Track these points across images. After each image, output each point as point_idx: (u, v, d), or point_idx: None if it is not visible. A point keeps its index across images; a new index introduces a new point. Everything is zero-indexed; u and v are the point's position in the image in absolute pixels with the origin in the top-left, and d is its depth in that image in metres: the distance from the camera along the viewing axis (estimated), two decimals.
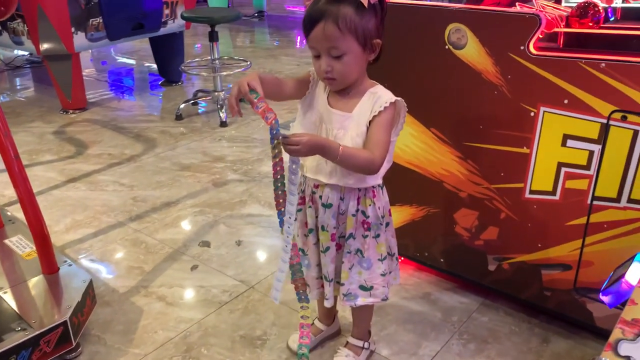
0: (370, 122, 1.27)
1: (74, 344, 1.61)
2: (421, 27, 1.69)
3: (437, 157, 1.77)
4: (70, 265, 1.82)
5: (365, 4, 1.19)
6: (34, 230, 1.72)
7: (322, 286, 1.50)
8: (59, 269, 1.79)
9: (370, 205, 1.38)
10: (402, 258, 2.07)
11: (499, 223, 1.72)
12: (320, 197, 1.38)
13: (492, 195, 1.70)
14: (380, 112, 1.26)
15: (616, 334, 0.85)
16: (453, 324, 1.79)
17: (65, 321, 1.58)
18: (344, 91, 1.31)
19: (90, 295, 1.76)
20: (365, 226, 1.40)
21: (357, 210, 1.38)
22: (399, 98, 1.29)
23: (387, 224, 1.46)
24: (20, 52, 5.38)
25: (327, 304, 1.51)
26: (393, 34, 1.72)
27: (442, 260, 1.91)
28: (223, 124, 3.65)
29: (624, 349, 0.82)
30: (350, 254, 1.41)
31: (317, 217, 1.41)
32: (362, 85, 1.32)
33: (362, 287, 1.45)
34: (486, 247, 1.78)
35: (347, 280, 1.44)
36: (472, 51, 1.59)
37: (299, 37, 6.36)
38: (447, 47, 1.63)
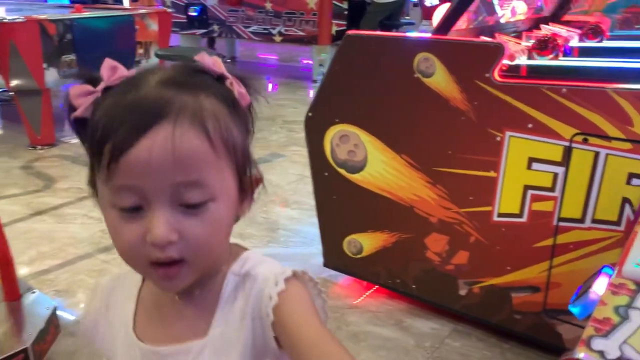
0: (273, 324, 0.60)
1: None
2: (390, 56, 1.76)
3: (408, 182, 1.81)
4: (33, 292, 1.77)
5: (245, 102, 0.63)
6: None
7: None
8: (21, 295, 1.73)
9: None
10: (375, 286, 2.08)
11: (469, 247, 1.75)
12: None
13: (462, 219, 1.74)
14: (279, 297, 0.60)
15: (589, 331, 0.87)
16: (426, 349, 1.78)
17: (26, 348, 1.52)
18: (185, 290, 0.63)
19: (54, 324, 1.70)
20: None
21: None
22: (296, 269, 0.64)
23: None
24: None
25: None
26: (363, 64, 1.79)
27: (413, 286, 1.92)
28: None
29: (597, 344, 0.84)
30: None
31: None
32: (220, 265, 0.66)
33: None
34: (457, 272, 1.80)
35: None
36: (440, 79, 1.66)
37: (270, 84, 6.48)
38: (416, 75, 1.69)
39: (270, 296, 0.60)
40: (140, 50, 4.13)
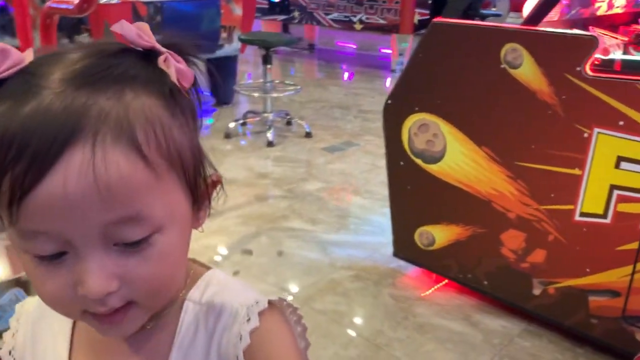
0: None
1: None
2: (477, 46, 1.72)
3: (487, 176, 1.78)
4: None
5: (187, 81, 0.47)
6: None
7: None
8: None
9: None
10: (445, 280, 2.06)
11: (547, 245, 1.69)
12: None
13: (541, 216, 1.69)
14: (252, 336, 0.50)
15: None
16: (494, 346, 1.75)
17: None
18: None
19: None
20: None
21: None
22: (273, 298, 0.54)
23: None
24: None
25: None
26: (448, 53, 1.77)
27: (485, 282, 1.89)
28: (270, 144, 3.73)
29: None
30: None
31: None
32: (176, 293, 0.53)
33: None
34: (532, 270, 1.75)
35: None
36: (527, 71, 1.61)
37: (346, 73, 6.48)
38: (502, 66, 1.65)
39: (240, 335, 0.49)
40: (224, 34, 4.26)
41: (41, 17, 1.75)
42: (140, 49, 0.45)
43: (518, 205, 1.73)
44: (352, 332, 1.81)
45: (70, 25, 3.73)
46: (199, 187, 0.50)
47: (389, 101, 1.94)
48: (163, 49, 0.46)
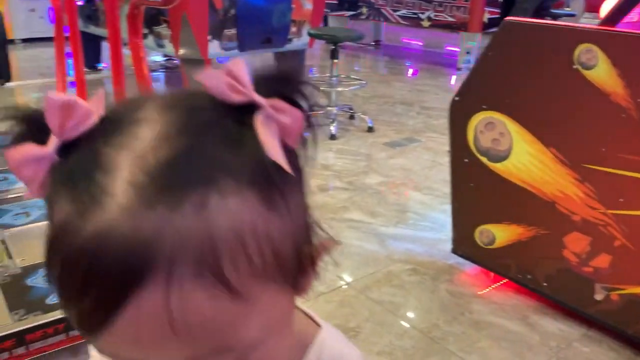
0: None
1: None
2: (549, 45, 1.71)
3: (553, 177, 1.76)
4: None
5: (294, 137, 0.37)
6: None
7: None
8: None
9: None
10: (503, 279, 2.05)
11: (613, 250, 1.67)
12: None
13: (609, 220, 1.66)
14: None
15: None
16: (551, 348, 1.74)
17: None
18: None
19: None
20: None
21: None
22: None
23: None
24: (156, 58, 5.91)
25: None
26: (519, 51, 1.76)
27: (545, 284, 1.87)
28: (332, 137, 3.79)
29: None
30: None
31: None
32: None
33: None
34: (595, 275, 1.73)
35: None
36: (601, 72, 1.59)
37: (410, 70, 6.45)
38: (575, 66, 1.63)
39: None
40: (293, 29, 4.34)
41: (130, 7, 1.87)
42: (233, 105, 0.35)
43: (584, 208, 1.71)
44: (406, 324, 1.84)
45: (150, 17, 3.92)
46: (306, 268, 0.40)
47: (456, 98, 1.95)
48: (262, 102, 0.35)
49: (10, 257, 1.82)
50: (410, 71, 6.42)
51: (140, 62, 1.94)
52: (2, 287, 1.65)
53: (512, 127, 1.81)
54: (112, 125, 0.34)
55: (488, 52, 1.85)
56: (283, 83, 0.37)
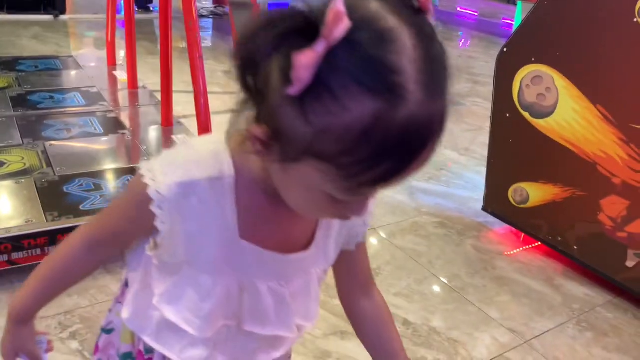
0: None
1: None
2: None
3: (597, 137, 1.69)
4: None
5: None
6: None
7: None
8: None
9: None
10: (533, 243, 2.01)
11: None
12: None
13: None
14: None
15: None
16: (573, 310, 1.71)
17: None
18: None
19: None
20: None
21: None
22: None
23: None
24: (205, 5, 5.92)
25: None
26: (575, 3, 1.68)
27: (575, 247, 1.83)
28: None
29: None
30: None
31: None
32: None
33: None
34: (629, 241, 1.67)
35: None
36: None
37: (463, 39, 6.27)
38: (636, 19, 1.55)
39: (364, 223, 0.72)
40: None
41: None
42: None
43: (626, 170, 1.64)
44: (427, 271, 1.83)
45: None
46: None
47: (505, 49, 1.89)
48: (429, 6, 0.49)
49: (50, 165, 1.88)
50: (463, 40, 6.25)
51: (190, 5, 1.95)
52: (40, 191, 1.72)
53: (560, 82, 1.74)
54: (370, 33, 0.44)
55: (543, 1, 1.77)
56: None
